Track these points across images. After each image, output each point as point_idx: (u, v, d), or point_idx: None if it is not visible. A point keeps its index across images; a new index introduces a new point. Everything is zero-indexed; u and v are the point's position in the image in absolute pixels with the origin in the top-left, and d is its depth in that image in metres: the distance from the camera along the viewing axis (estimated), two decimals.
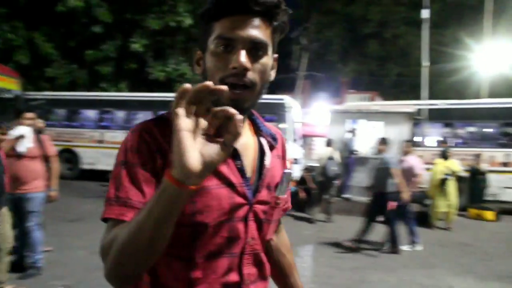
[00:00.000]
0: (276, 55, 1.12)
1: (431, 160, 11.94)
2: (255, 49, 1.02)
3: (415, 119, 12.86)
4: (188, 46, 17.95)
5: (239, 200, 1.07)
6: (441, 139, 13.51)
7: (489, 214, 10.82)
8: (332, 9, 24.82)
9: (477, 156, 11.63)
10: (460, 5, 23.76)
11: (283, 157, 1.26)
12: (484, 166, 11.52)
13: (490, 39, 19.78)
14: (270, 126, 1.23)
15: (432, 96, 13.58)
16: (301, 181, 11.55)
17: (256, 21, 1.01)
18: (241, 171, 1.09)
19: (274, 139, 1.21)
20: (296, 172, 13.01)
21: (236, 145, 0.87)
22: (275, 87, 27.39)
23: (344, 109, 14.24)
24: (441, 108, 13.49)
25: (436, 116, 13.40)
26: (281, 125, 14.27)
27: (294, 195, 11.44)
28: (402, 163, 7.66)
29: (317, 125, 20.86)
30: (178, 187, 0.80)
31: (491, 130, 13.53)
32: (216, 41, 1.02)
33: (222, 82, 0.99)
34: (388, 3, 23.14)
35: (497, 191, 12.04)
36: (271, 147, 1.20)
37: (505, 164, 12.32)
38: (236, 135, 0.80)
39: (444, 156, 9.77)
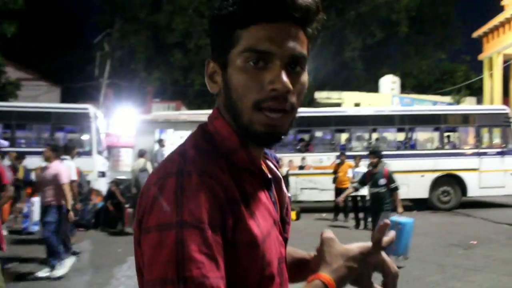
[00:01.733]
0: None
1: None
2: (294, 65, 0.81)
3: None
4: None
5: (281, 238, 0.89)
6: None
7: (292, 214, 11.73)
8: (136, 16, 24.22)
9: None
10: None
11: None
12: (285, 170, 12.46)
13: None
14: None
15: None
16: (109, 195, 10.83)
17: (294, 31, 0.80)
18: (274, 204, 0.89)
19: (278, 162, 1.04)
20: (103, 185, 12.21)
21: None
22: (76, 96, 25.54)
23: (152, 119, 13.93)
24: None
25: None
26: (85, 136, 13.27)
27: (103, 211, 10.70)
28: (45, 171, 6.57)
29: (122, 135, 20.03)
30: None
31: (289, 136, 14.79)
32: (246, 54, 0.79)
33: (256, 106, 0.80)
34: (192, 14, 23.60)
35: (296, 192, 13.19)
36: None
37: (301, 168, 13.57)
38: None
39: None
